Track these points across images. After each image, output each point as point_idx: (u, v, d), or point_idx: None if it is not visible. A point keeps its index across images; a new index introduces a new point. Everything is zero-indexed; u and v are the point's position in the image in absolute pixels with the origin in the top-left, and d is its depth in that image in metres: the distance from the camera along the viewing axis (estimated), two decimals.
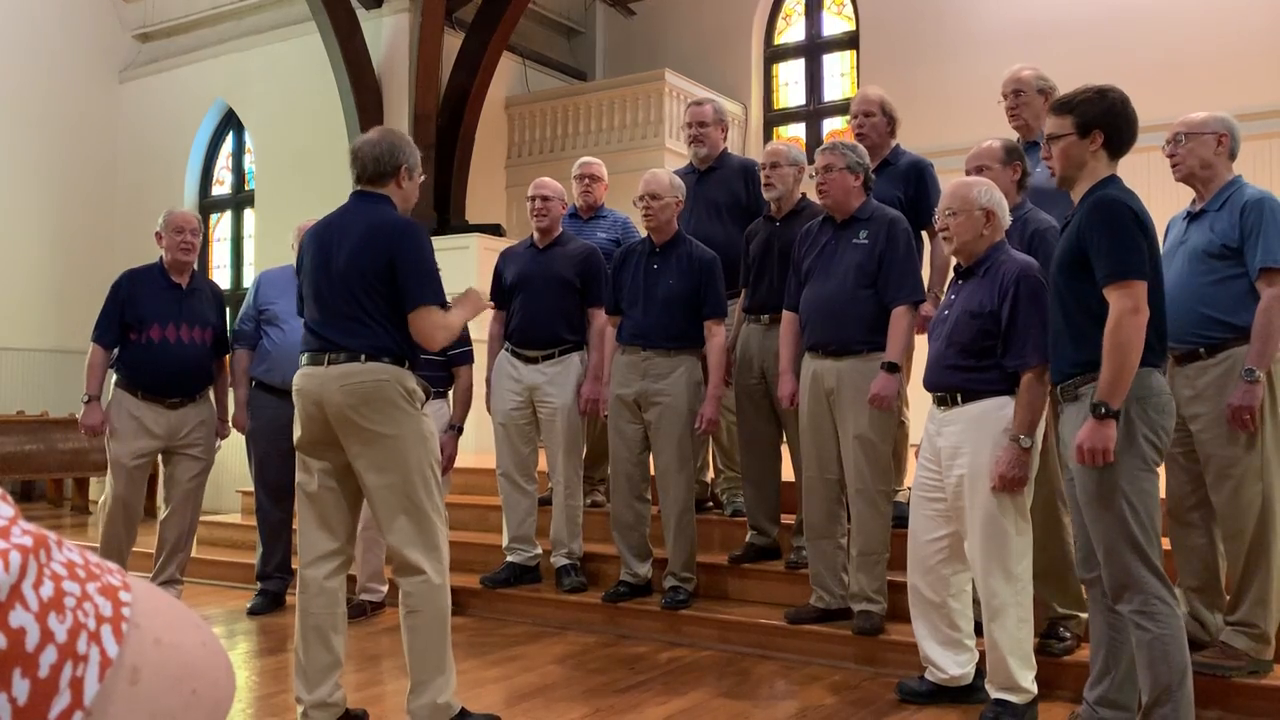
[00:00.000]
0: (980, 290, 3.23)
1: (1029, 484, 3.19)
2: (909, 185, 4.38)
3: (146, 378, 4.57)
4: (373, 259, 3.05)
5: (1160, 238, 3.57)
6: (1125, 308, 2.70)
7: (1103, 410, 2.70)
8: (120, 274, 4.72)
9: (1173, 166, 3.46)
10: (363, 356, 3.03)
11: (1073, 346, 2.83)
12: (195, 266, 4.79)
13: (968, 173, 3.60)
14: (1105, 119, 2.84)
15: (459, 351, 4.62)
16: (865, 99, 4.51)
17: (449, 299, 3.16)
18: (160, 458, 4.73)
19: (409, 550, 3.06)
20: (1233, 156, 3.43)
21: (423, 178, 3.32)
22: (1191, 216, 3.46)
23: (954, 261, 3.45)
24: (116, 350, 4.61)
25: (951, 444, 3.25)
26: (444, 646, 3.10)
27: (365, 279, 3.05)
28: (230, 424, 4.95)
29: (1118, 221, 2.75)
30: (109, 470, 4.65)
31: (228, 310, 10.16)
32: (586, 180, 5.26)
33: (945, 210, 3.30)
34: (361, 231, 3.08)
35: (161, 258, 4.70)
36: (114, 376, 4.65)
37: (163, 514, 4.78)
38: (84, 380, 4.56)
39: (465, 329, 4.74)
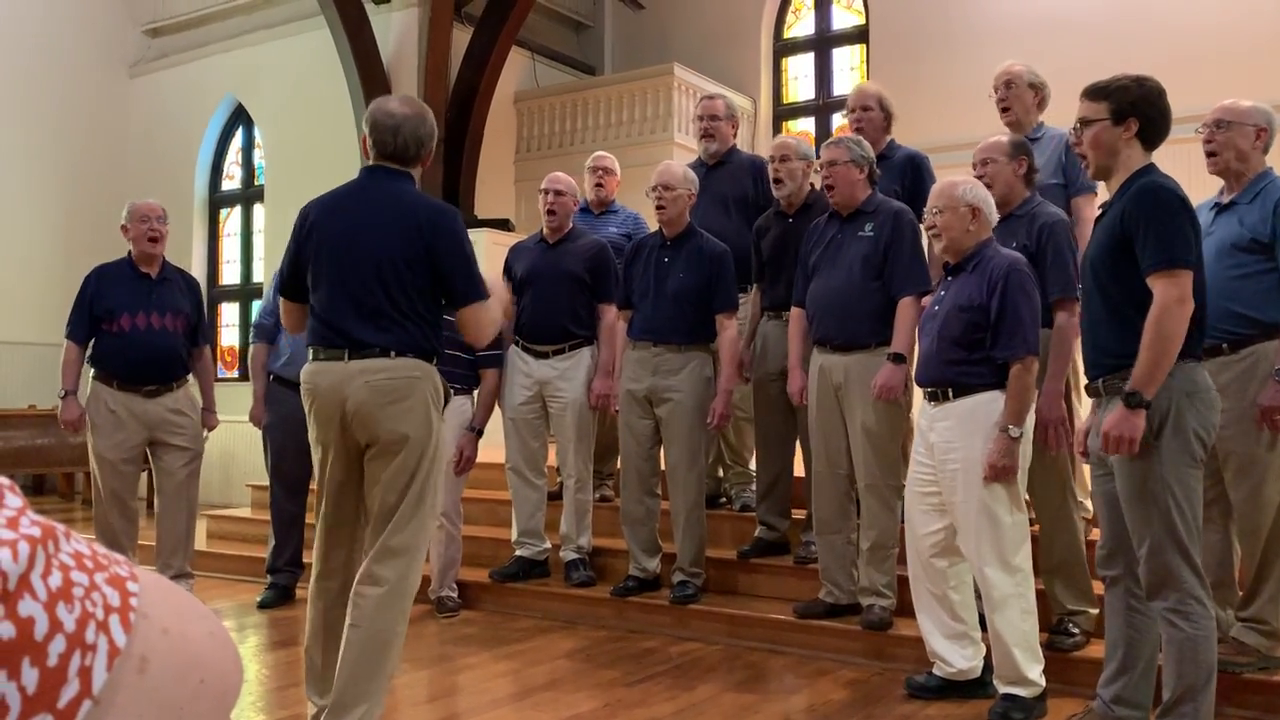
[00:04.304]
0: (969, 284, 3.25)
1: (1023, 474, 3.20)
2: (905, 179, 4.37)
3: (120, 366, 4.54)
4: (407, 245, 2.80)
5: None
6: (1171, 297, 2.63)
7: (1135, 400, 2.64)
8: (89, 271, 4.68)
9: (1208, 155, 3.37)
10: (392, 352, 2.81)
11: (1117, 338, 2.75)
12: (165, 257, 4.72)
13: (974, 166, 3.61)
14: (1140, 107, 2.77)
15: (490, 354, 4.56)
16: (862, 94, 4.50)
17: None
18: (149, 452, 4.68)
19: (381, 559, 2.82)
20: (1266, 150, 3.36)
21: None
22: (1220, 208, 3.38)
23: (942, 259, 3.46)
24: (92, 345, 4.59)
25: (944, 439, 3.26)
26: (377, 672, 2.79)
27: (397, 267, 2.80)
28: (221, 415, 4.94)
29: (1165, 208, 2.68)
30: (93, 466, 4.59)
31: (235, 304, 10.29)
32: (600, 173, 5.23)
33: (932, 209, 3.33)
34: (394, 214, 2.82)
35: (130, 251, 4.67)
36: (91, 371, 4.62)
37: (158, 509, 4.74)
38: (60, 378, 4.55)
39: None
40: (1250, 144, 3.32)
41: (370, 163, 2.96)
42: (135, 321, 4.55)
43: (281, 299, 3.07)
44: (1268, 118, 3.35)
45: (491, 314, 2.91)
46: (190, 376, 4.77)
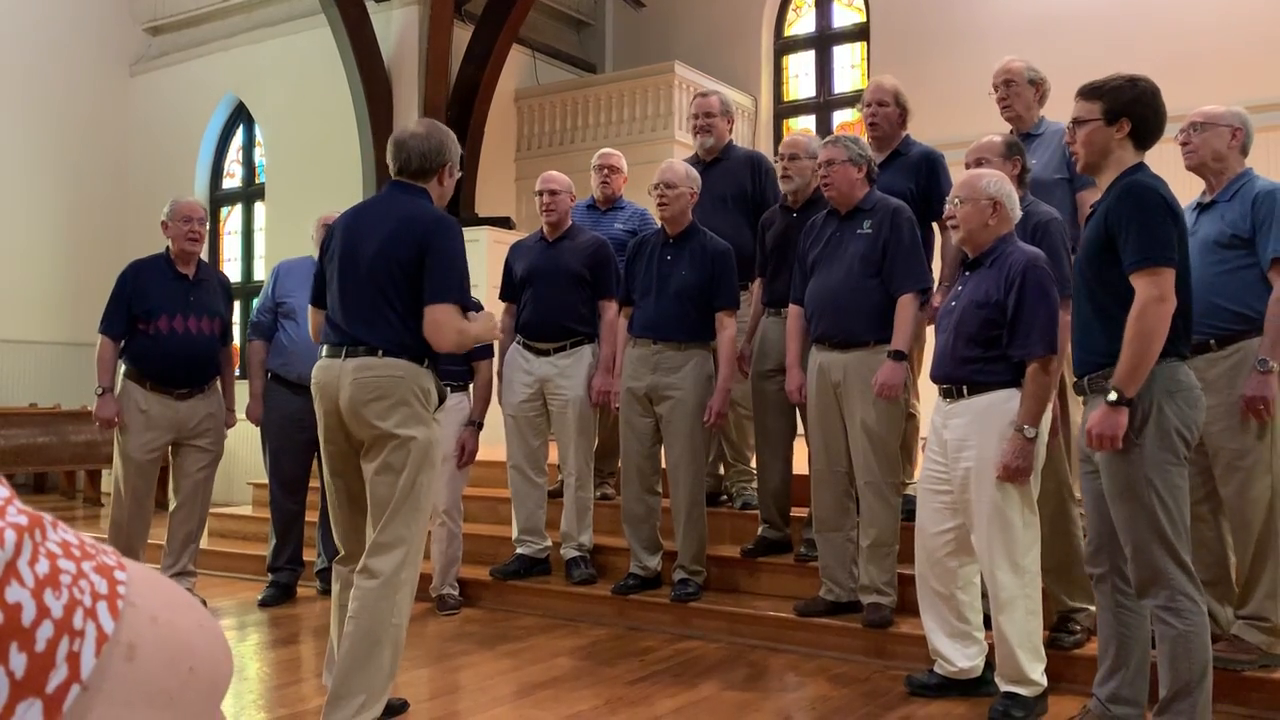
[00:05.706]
0: (986, 281, 3.23)
1: (1035, 475, 3.19)
2: (920, 176, 4.35)
3: (155, 368, 4.57)
4: (402, 251, 2.93)
5: None
6: (1151, 295, 2.64)
7: (1116, 397, 2.66)
8: (126, 265, 4.71)
9: (1185, 154, 3.45)
10: (380, 351, 2.93)
11: (1104, 337, 2.77)
12: (203, 256, 4.78)
13: (967, 166, 3.61)
14: (1134, 107, 2.79)
15: (479, 347, 4.61)
16: (879, 88, 4.47)
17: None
18: (169, 450, 4.72)
19: (376, 553, 2.92)
20: (1244, 151, 3.43)
21: (460, 174, 3.22)
22: (1202, 207, 3.46)
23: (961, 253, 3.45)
24: (125, 343, 4.62)
25: (958, 436, 3.25)
26: (376, 664, 2.87)
27: (392, 271, 2.94)
28: (238, 414, 4.96)
29: (1146, 207, 2.69)
30: (117, 463, 4.62)
31: (236, 302, 10.28)
32: (606, 171, 5.22)
33: (954, 199, 3.32)
34: (395, 223, 2.97)
35: (167, 248, 4.69)
36: (122, 368, 4.64)
37: (172, 506, 4.78)
38: (95, 373, 4.57)
39: None
40: (1226, 144, 3.40)
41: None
42: (173, 325, 4.57)
43: (310, 307, 3.24)
44: (1242, 119, 3.44)
45: (457, 321, 2.93)
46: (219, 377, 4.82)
